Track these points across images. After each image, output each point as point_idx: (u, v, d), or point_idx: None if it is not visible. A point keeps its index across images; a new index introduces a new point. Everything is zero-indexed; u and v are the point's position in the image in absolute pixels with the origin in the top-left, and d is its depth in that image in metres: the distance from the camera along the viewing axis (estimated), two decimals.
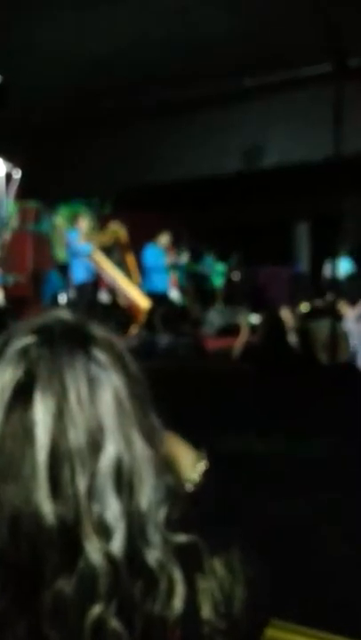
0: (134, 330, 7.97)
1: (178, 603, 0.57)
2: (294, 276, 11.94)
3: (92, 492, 0.55)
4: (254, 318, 5.41)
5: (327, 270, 9.78)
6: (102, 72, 6.23)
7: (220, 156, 7.60)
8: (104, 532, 0.55)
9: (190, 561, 0.59)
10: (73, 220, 8.68)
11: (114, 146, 8.11)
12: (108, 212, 10.61)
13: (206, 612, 0.60)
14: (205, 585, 0.61)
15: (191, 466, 0.74)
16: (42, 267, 9.28)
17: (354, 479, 2.30)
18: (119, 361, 0.60)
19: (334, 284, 4.99)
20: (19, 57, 5.86)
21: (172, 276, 8.92)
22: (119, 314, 8.40)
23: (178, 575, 0.57)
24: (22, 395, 0.56)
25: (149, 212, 10.34)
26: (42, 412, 0.55)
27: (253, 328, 5.13)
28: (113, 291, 8.49)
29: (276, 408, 3.28)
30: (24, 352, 0.58)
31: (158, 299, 8.48)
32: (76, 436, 0.55)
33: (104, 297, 8.56)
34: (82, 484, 0.54)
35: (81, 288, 7.85)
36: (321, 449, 2.62)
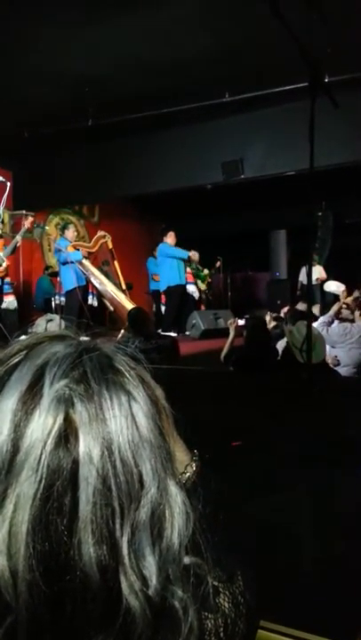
0: (121, 333, 7.92)
1: None
2: (272, 281, 11.97)
3: (131, 538, 0.50)
4: (237, 321, 5.36)
5: (302, 276, 9.86)
6: (89, 88, 6.18)
7: (201, 169, 7.59)
8: (142, 578, 0.50)
9: (197, 594, 0.55)
10: (62, 228, 8.63)
11: (101, 158, 8.08)
12: (96, 221, 10.57)
13: None
14: (211, 624, 0.58)
15: (182, 466, 0.67)
16: (33, 273, 9.22)
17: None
18: (152, 396, 0.56)
19: (309, 289, 4.96)
20: (9, 72, 5.78)
21: (188, 272, 9.02)
22: (107, 318, 8.35)
23: (195, 615, 0.53)
24: (66, 442, 0.50)
25: (135, 220, 10.31)
26: (87, 458, 0.50)
27: (239, 332, 5.08)
28: (101, 296, 8.44)
29: (258, 408, 3.23)
30: (61, 397, 0.51)
31: (175, 293, 8.52)
32: (121, 481, 0.50)
33: (93, 302, 8.51)
34: (124, 529, 0.50)
35: (70, 293, 7.79)
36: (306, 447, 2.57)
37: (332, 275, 10.18)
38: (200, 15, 4.96)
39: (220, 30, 5.19)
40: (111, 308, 8.38)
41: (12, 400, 0.52)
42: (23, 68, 5.76)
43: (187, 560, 0.55)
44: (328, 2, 4.42)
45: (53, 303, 8.11)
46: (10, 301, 7.40)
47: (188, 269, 9.18)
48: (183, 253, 8.66)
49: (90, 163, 8.11)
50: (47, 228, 9.29)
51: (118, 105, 6.56)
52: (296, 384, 3.57)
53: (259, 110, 6.93)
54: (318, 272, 9.33)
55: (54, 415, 0.50)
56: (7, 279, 7.27)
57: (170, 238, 8.70)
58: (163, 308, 8.87)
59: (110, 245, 8.54)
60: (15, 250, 7.12)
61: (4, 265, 6.93)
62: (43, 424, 0.50)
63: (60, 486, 0.49)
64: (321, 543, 1.72)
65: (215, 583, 0.59)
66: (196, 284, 9.50)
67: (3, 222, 7.17)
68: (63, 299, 7.93)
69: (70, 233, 8.20)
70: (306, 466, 2.38)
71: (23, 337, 0.59)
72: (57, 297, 8.06)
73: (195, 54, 5.53)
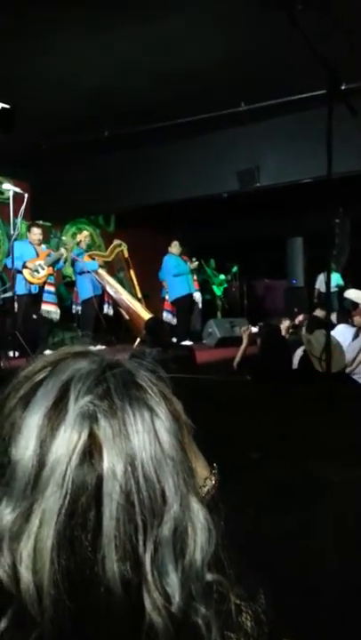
0: (137, 342, 7.92)
1: None
2: (290, 288, 11.92)
3: (154, 555, 0.50)
4: (253, 329, 5.33)
5: (319, 284, 9.80)
6: (104, 99, 6.23)
7: (217, 178, 7.60)
8: (165, 595, 0.50)
9: (220, 612, 0.55)
10: (73, 234, 8.71)
11: (117, 168, 8.13)
12: (112, 230, 10.62)
13: None
14: None
15: (201, 480, 0.66)
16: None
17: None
18: (174, 412, 0.56)
19: (328, 297, 4.91)
20: (26, 84, 5.86)
21: (194, 280, 9.08)
22: (123, 327, 8.37)
23: (217, 633, 0.53)
24: (90, 458, 0.51)
25: (151, 229, 10.35)
26: (111, 474, 0.50)
27: (252, 339, 5.05)
28: (117, 305, 8.47)
29: (275, 418, 3.19)
30: (86, 413, 0.52)
31: (185, 302, 8.57)
32: (144, 497, 0.50)
33: (109, 310, 8.54)
34: (147, 545, 0.50)
35: (87, 302, 7.83)
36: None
37: (350, 281, 10.10)
38: (215, 23, 4.98)
39: (235, 38, 5.20)
40: (127, 317, 8.40)
41: (37, 416, 0.52)
42: (39, 80, 5.84)
43: (209, 577, 0.55)
44: (344, 8, 4.41)
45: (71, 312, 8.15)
46: (52, 311, 7.36)
47: (195, 277, 9.21)
48: (185, 268, 8.68)
49: (106, 173, 8.17)
50: (64, 238, 9.37)
51: (134, 115, 6.61)
52: (315, 393, 3.53)
53: (274, 118, 6.93)
54: (336, 279, 9.27)
55: (79, 431, 0.51)
56: (50, 288, 7.27)
57: (174, 248, 8.75)
58: (166, 316, 8.84)
59: (126, 254, 8.57)
60: (58, 261, 7.21)
61: (44, 273, 6.99)
62: (68, 440, 0.50)
63: (84, 502, 0.49)
64: (342, 558, 1.69)
65: (237, 601, 0.59)
66: (200, 290, 9.54)
67: (19, 233, 7.22)
68: (80, 308, 7.96)
69: (83, 242, 8.18)
70: (327, 476, 2.35)
71: (48, 351, 0.61)
72: (74, 306, 8.09)
73: (210, 63, 5.55)
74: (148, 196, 8.15)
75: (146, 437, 0.52)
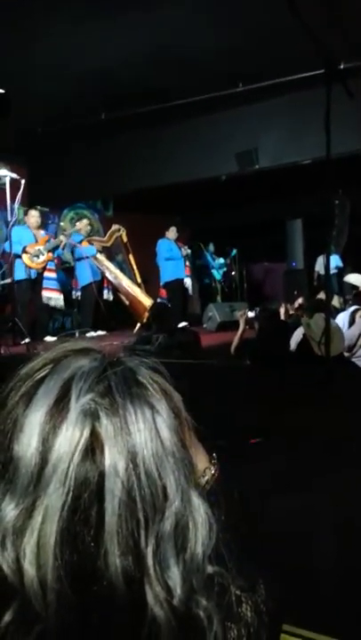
0: (137, 327, 7.93)
1: None
2: (289, 271, 11.88)
3: (156, 549, 0.51)
4: (249, 314, 5.32)
5: (318, 266, 9.76)
6: (101, 82, 6.15)
7: (215, 160, 7.53)
8: (167, 588, 0.51)
9: (221, 604, 0.56)
10: (72, 220, 8.67)
11: (114, 152, 8.06)
12: (110, 215, 10.56)
13: None
14: (234, 634, 0.58)
15: (201, 469, 0.67)
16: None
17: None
18: (174, 408, 0.57)
19: (327, 280, 4.91)
20: (21, 70, 5.78)
21: (186, 265, 9.10)
22: (123, 312, 8.37)
23: (219, 625, 0.54)
24: (92, 455, 0.51)
25: (149, 213, 10.29)
26: (113, 470, 0.51)
27: (250, 323, 5.05)
28: (116, 290, 8.46)
29: (276, 402, 3.21)
30: (87, 410, 0.52)
31: (176, 287, 8.59)
32: (145, 493, 0.51)
33: (108, 296, 8.53)
34: (149, 540, 0.51)
35: (86, 288, 7.82)
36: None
37: (349, 264, 10.07)
38: (213, 5, 4.90)
39: (232, 19, 5.12)
40: (127, 302, 8.39)
41: (39, 413, 0.53)
42: (34, 64, 5.76)
43: (210, 569, 0.56)
44: None
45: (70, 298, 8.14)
46: (54, 297, 7.34)
47: (187, 263, 9.23)
48: (177, 253, 8.71)
49: (103, 156, 8.10)
50: (62, 223, 9.31)
51: (131, 98, 6.53)
52: (314, 376, 3.55)
53: (272, 99, 6.85)
54: (335, 261, 9.24)
55: (81, 428, 0.52)
56: (51, 274, 7.25)
57: (171, 233, 8.79)
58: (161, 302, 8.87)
59: (125, 239, 8.53)
60: (57, 248, 7.20)
61: (43, 258, 6.96)
62: (70, 437, 0.51)
63: (87, 498, 0.50)
64: (342, 545, 1.71)
65: (238, 592, 0.60)
66: (199, 275, 9.55)
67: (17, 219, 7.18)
68: (79, 294, 7.96)
69: (82, 227, 8.16)
70: (327, 462, 2.37)
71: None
72: (74, 292, 8.09)
73: (208, 44, 5.47)
74: (146, 179, 8.08)
75: (147, 434, 0.53)
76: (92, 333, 7.27)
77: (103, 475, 0.51)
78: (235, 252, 11.42)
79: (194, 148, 7.57)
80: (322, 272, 8.95)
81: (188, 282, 9.11)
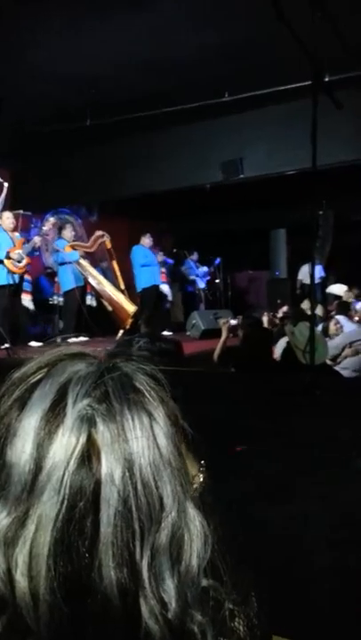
0: (120, 334, 7.90)
1: None
2: (272, 280, 11.96)
3: (151, 562, 0.50)
4: (232, 322, 5.33)
5: (302, 275, 9.85)
6: (88, 87, 6.15)
7: (200, 169, 7.57)
8: (162, 602, 0.50)
9: (215, 618, 0.55)
10: (59, 228, 8.62)
11: (100, 158, 8.06)
12: (94, 221, 10.53)
13: None
14: None
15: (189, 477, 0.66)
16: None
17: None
18: (171, 416, 0.55)
19: (312, 289, 4.93)
20: (8, 74, 5.75)
21: (162, 272, 9.09)
22: (106, 318, 8.33)
23: None
24: (88, 462, 0.49)
25: (134, 220, 10.28)
26: (109, 479, 0.49)
27: (233, 331, 5.06)
28: (100, 296, 8.42)
29: (260, 410, 3.21)
30: (84, 416, 0.50)
31: (151, 293, 8.57)
32: (142, 503, 0.50)
33: (92, 302, 8.49)
34: (144, 552, 0.49)
35: (69, 294, 7.77)
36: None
37: (332, 273, 10.18)
38: (200, 14, 4.94)
39: (219, 29, 5.17)
40: (110, 309, 8.36)
41: (34, 418, 0.51)
42: (23, 67, 5.74)
43: (205, 582, 0.54)
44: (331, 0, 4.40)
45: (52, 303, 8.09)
46: (28, 299, 7.40)
47: (163, 269, 9.24)
48: (152, 259, 8.73)
49: (89, 162, 8.10)
50: (45, 228, 9.27)
51: (117, 104, 6.54)
52: (299, 385, 3.55)
53: (258, 110, 6.92)
54: (318, 271, 9.33)
55: (77, 435, 0.50)
56: (28, 277, 7.29)
57: (146, 239, 8.81)
58: None
59: (109, 245, 8.51)
60: (34, 249, 7.23)
61: (24, 262, 6.95)
62: (66, 444, 0.49)
63: (82, 508, 0.48)
64: (330, 551, 1.71)
65: (231, 606, 0.58)
66: (169, 283, 9.56)
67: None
68: (62, 299, 7.91)
69: (68, 233, 8.17)
70: (310, 469, 2.37)
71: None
72: (55, 297, 8.03)
73: (194, 53, 5.52)
74: (131, 186, 8.10)
75: (144, 442, 0.51)
76: (74, 339, 7.21)
77: (99, 483, 0.49)
78: (219, 260, 11.47)
79: (179, 157, 7.61)
80: (306, 281, 9.03)
81: (164, 288, 9.10)
